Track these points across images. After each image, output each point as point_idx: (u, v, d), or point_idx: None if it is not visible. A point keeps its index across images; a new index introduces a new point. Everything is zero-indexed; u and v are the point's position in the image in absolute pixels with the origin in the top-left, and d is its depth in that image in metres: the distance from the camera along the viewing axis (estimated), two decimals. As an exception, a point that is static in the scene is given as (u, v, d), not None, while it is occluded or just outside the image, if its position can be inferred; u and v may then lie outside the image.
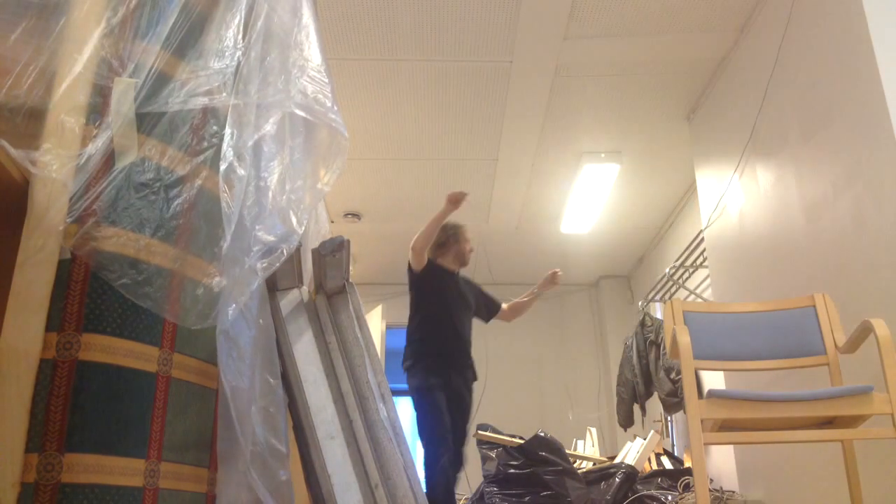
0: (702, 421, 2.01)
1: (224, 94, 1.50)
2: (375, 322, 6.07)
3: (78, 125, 1.35)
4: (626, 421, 5.51)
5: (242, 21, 1.59)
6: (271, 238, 1.50)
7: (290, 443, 1.57)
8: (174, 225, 1.42)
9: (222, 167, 1.45)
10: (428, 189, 5.36)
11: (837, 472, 2.78)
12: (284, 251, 1.50)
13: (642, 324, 5.41)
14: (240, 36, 1.57)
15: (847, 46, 2.73)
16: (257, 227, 1.49)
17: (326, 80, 1.65)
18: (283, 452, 1.46)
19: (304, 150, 1.69)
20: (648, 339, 5.34)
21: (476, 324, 3.58)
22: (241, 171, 1.46)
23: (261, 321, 1.55)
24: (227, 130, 1.49)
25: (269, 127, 1.55)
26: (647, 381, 5.22)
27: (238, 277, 1.41)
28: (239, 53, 1.56)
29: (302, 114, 1.59)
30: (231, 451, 1.41)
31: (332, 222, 5.79)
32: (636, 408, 5.47)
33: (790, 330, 2.44)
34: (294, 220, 1.57)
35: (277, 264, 1.48)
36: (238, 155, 1.46)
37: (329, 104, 1.62)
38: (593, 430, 5.73)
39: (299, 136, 1.69)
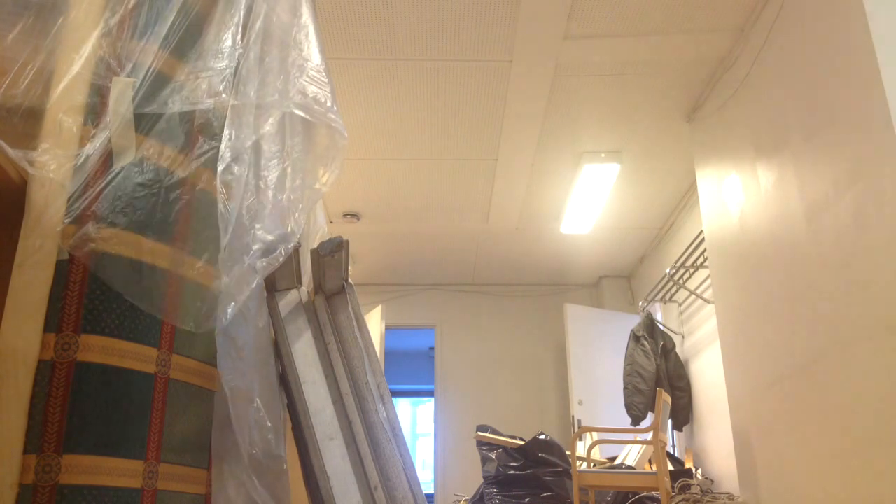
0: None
1: (223, 96, 1.50)
2: (374, 323, 6.07)
3: (76, 125, 1.34)
4: (644, 412, 5.30)
5: (241, 21, 1.59)
6: (270, 237, 1.50)
7: (289, 444, 1.57)
8: (173, 226, 1.41)
9: (220, 167, 1.44)
10: (428, 189, 5.36)
11: (837, 473, 2.77)
12: (283, 251, 1.49)
13: (650, 331, 5.45)
14: (238, 36, 1.57)
15: (847, 46, 2.73)
16: (256, 227, 1.48)
17: (326, 80, 1.64)
18: (281, 454, 1.46)
19: (302, 150, 1.69)
20: (661, 344, 5.37)
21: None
22: (239, 172, 1.46)
23: (259, 322, 1.55)
24: (226, 131, 1.49)
25: (267, 127, 1.54)
26: (658, 381, 5.23)
27: (237, 277, 1.41)
28: (238, 54, 1.55)
29: (301, 114, 1.59)
30: (228, 452, 1.41)
31: (332, 222, 5.78)
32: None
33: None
34: (293, 219, 1.57)
35: (276, 264, 1.48)
36: (236, 155, 1.46)
37: (328, 104, 1.62)
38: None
39: (298, 136, 1.69)
